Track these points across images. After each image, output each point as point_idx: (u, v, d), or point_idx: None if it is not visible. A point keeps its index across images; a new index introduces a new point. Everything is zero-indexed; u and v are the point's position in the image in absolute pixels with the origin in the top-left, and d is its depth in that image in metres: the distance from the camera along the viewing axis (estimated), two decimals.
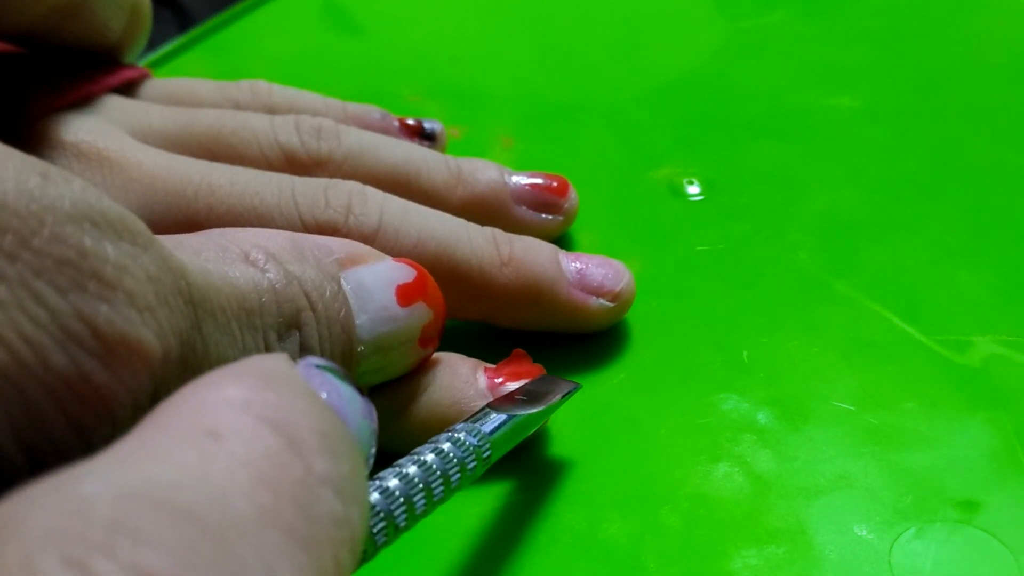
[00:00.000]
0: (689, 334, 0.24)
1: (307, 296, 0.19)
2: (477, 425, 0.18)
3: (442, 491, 0.16)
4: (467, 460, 0.17)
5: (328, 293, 0.19)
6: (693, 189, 0.29)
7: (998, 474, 0.21)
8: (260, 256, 0.18)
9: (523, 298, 0.23)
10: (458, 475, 0.17)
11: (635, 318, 0.25)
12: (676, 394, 0.23)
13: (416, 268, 0.20)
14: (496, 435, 0.18)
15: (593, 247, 0.27)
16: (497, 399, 0.20)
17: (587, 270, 0.24)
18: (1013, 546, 0.19)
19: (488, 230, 0.24)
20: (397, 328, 0.20)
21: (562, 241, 0.27)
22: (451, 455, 0.17)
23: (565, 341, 0.24)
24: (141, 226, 0.15)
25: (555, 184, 0.26)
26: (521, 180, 0.26)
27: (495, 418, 0.19)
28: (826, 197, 0.28)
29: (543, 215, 0.26)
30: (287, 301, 0.18)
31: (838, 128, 0.31)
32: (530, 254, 0.23)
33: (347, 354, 0.19)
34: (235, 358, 0.17)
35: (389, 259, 0.20)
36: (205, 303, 0.16)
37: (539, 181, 0.26)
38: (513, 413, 0.19)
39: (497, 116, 0.32)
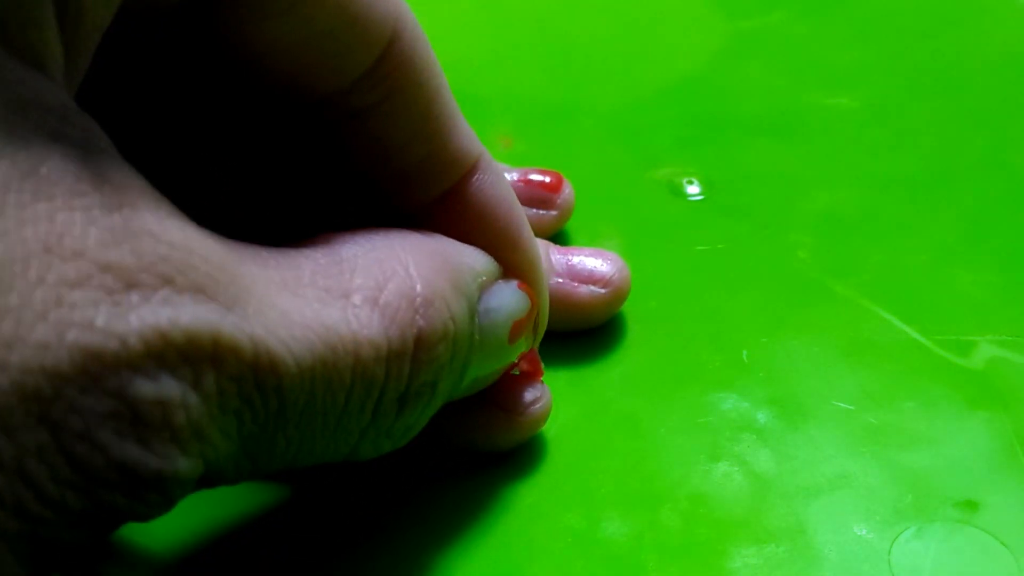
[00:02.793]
0: (688, 333, 0.24)
1: (454, 347, 0.17)
2: None
3: None
4: None
5: (467, 336, 0.18)
6: (693, 189, 0.29)
7: (998, 474, 0.21)
8: (421, 293, 0.17)
9: None
10: None
11: (634, 317, 0.25)
12: (675, 393, 0.23)
13: (532, 298, 0.20)
14: None
15: (592, 246, 0.27)
16: None
17: (577, 260, 0.24)
18: (1013, 546, 0.19)
19: None
20: (499, 365, 0.20)
21: (560, 240, 0.27)
22: None
23: (564, 339, 0.24)
24: (225, 331, 0.13)
25: (548, 180, 0.26)
26: (513, 176, 0.26)
27: None
28: (826, 197, 0.28)
29: (536, 210, 0.26)
30: (429, 362, 0.17)
31: (838, 128, 0.31)
32: None
33: (451, 394, 0.18)
34: (327, 436, 0.16)
35: (515, 285, 0.19)
36: (297, 388, 0.15)
37: (532, 177, 0.26)
38: None
39: (497, 116, 0.32)
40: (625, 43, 0.35)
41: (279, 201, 0.20)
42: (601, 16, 0.37)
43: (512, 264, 0.20)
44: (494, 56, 0.35)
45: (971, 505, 0.20)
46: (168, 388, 0.13)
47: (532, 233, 0.21)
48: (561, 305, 0.23)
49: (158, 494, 0.13)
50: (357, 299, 0.16)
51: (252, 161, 0.20)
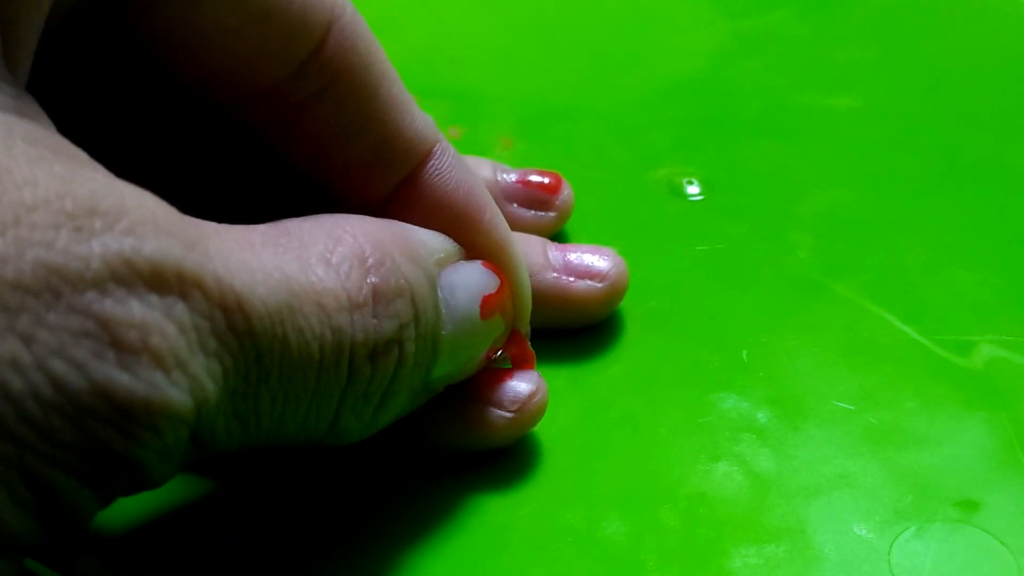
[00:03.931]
0: (688, 333, 0.24)
1: (414, 307, 0.17)
2: None
3: None
4: None
5: (430, 304, 0.18)
6: (693, 189, 0.29)
7: (998, 474, 0.21)
8: (371, 255, 0.17)
9: None
10: None
11: (634, 317, 0.25)
12: (675, 393, 0.23)
13: (501, 276, 0.20)
14: None
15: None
16: None
17: (574, 256, 0.24)
18: (1012, 546, 0.19)
19: None
20: (478, 346, 0.19)
21: (559, 240, 0.27)
22: None
23: (563, 338, 0.24)
24: (187, 266, 0.13)
25: (547, 181, 0.26)
26: (512, 177, 0.26)
27: None
28: (826, 197, 0.28)
29: (535, 212, 0.26)
30: (390, 317, 0.17)
31: (838, 128, 0.31)
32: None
33: (427, 367, 0.18)
34: (306, 392, 0.16)
35: (479, 263, 0.19)
36: (270, 333, 0.15)
37: (530, 178, 0.26)
38: None
39: (497, 116, 0.32)
40: (625, 43, 0.35)
41: (231, 202, 0.20)
42: (601, 16, 0.37)
43: (476, 246, 0.20)
44: (495, 56, 0.35)
45: (971, 505, 0.20)
46: (139, 311, 0.13)
47: (499, 216, 0.21)
48: (558, 301, 0.23)
49: (152, 432, 0.13)
50: (311, 259, 0.16)
51: (204, 161, 0.20)
